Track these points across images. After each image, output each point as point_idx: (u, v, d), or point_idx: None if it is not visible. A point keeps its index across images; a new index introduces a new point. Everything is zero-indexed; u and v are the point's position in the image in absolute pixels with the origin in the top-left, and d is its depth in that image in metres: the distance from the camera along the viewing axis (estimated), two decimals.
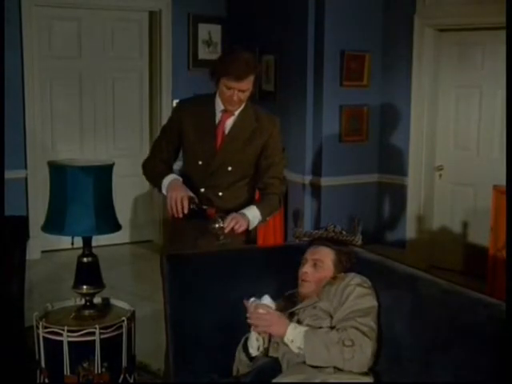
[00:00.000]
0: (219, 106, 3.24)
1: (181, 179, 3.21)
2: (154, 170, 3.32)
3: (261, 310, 2.57)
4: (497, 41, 5.45)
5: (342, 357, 2.43)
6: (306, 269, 2.75)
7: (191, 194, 3.10)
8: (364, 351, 2.45)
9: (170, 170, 3.29)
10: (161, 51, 6.64)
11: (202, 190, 3.22)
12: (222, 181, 3.24)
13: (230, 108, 3.20)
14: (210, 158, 3.22)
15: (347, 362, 2.44)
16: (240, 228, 3.07)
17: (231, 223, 3.04)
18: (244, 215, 3.11)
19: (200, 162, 3.24)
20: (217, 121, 3.25)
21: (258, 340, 2.67)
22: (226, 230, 3.03)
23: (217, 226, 3.03)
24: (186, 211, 3.05)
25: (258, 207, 3.20)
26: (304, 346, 2.48)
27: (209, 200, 3.21)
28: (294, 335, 2.52)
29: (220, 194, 3.23)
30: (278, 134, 3.31)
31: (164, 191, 3.18)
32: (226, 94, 3.13)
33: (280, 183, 3.34)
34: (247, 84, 3.11)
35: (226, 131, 3.24)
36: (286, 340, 2.53)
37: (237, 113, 3.24)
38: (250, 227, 3.16)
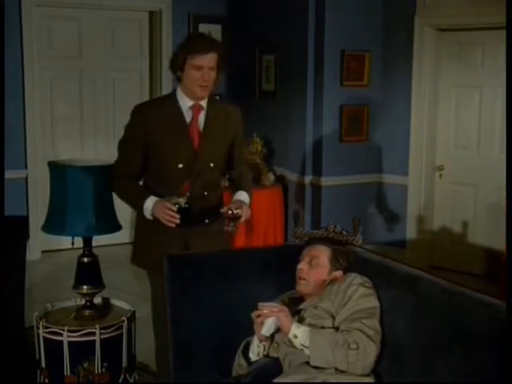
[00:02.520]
0: (185, 103, 3.11)
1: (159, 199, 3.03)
2: (129, 192, 3.12)
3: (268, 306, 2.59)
4: (497, 41, 5.45)
5: (347, 360, 2.43)
6: (302, 266, 2.76)
7: (167, 198, 2.98)
8: (368, 355, 2.45)
9: (146, 190, 3.10)
10: (161, 51, 6.63)
11: (188, 193, 3.00)
12: (207, 179, 3.14)
13: (202, 94, 3.07)
14: (191, 160, 3.09)
15: (351, 365, 2.44)
16: (248, 217, 3.07)
17: (248, 212, 3.04)
18: (245, 204, 3.09)
19: (180, 165, 3.08)
20: (188, 119, 3.12)
21: (259, 346, 2.67)
22: (243, 219, 2.99)
23: (230, 212, 2.96)
24: (174, 209, 2.93)
25: (246, 191, 3.20)
26: (309, 345, 2.47)
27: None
28: (297, 331, 2.51)
29: (205, 193, 3.14)
30: (242, 123, 3.32)
31: (149, 215, 3.02)
32: (196, 76, 3.01)
33: (248, 168, 3.43)
34: (213, 59, 3.00)
35: (201, 128, 3.13)
36: (290, 335, 2.52)
37: (205, 105, 3.13)
38: None
